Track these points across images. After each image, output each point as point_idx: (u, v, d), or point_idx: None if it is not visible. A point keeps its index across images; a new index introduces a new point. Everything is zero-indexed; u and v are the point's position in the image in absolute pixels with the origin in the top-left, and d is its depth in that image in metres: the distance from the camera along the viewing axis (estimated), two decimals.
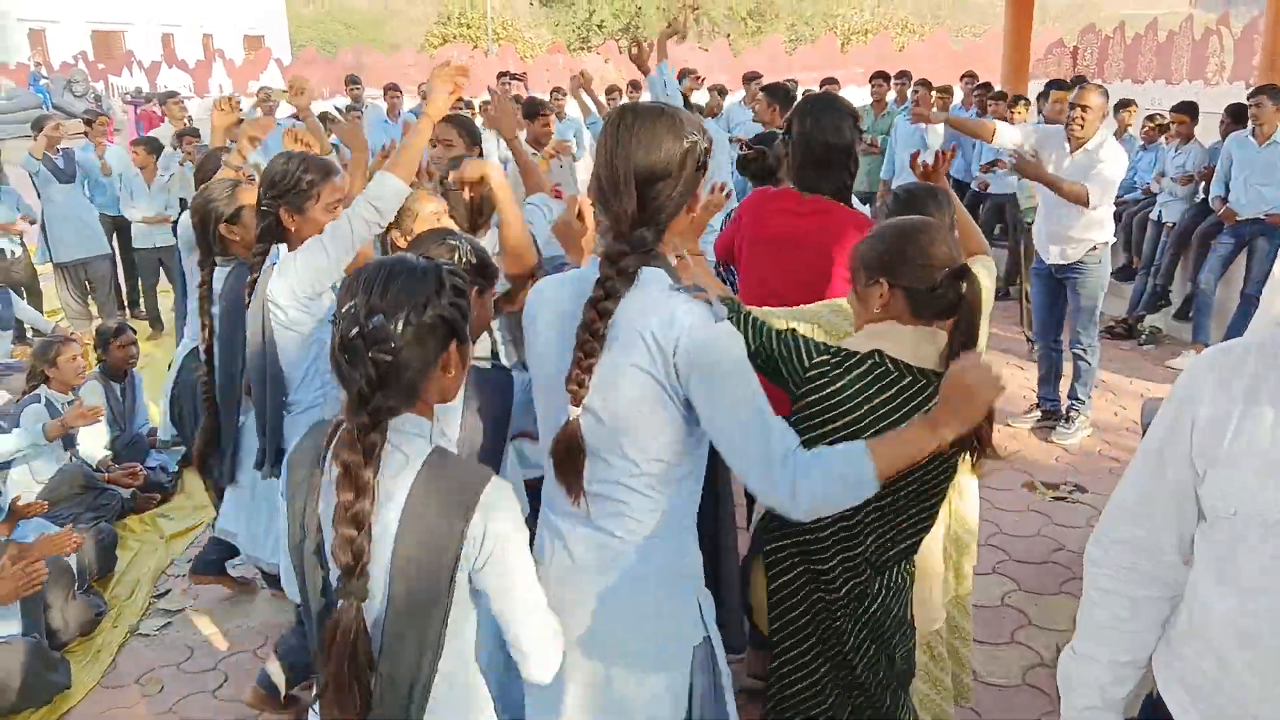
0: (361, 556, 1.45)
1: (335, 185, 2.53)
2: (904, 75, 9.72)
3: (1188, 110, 7.39)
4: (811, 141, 2.83)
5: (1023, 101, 8.66)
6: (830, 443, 1.74)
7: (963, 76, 10.56)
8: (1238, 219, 6.60)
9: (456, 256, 2.07)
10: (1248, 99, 6.67)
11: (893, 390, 1.95)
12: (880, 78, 9.13)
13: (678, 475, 1.74)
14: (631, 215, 1.68)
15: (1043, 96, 8.09)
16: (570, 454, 1.69)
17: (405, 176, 2.45)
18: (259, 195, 2.56)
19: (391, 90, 10.24)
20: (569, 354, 1.68)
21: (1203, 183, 7.23)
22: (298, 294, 2.40)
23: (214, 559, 3.94)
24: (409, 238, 2.58)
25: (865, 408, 1.95)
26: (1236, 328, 6.69)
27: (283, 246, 2.67)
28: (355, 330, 1.45)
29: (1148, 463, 1.50)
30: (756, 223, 3.02)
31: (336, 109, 9.48)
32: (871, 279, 2.02)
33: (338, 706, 1.49)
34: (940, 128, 8.90)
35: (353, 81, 10.85)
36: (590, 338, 1.64)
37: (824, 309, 2.42)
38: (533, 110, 6.45)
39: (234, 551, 3.79)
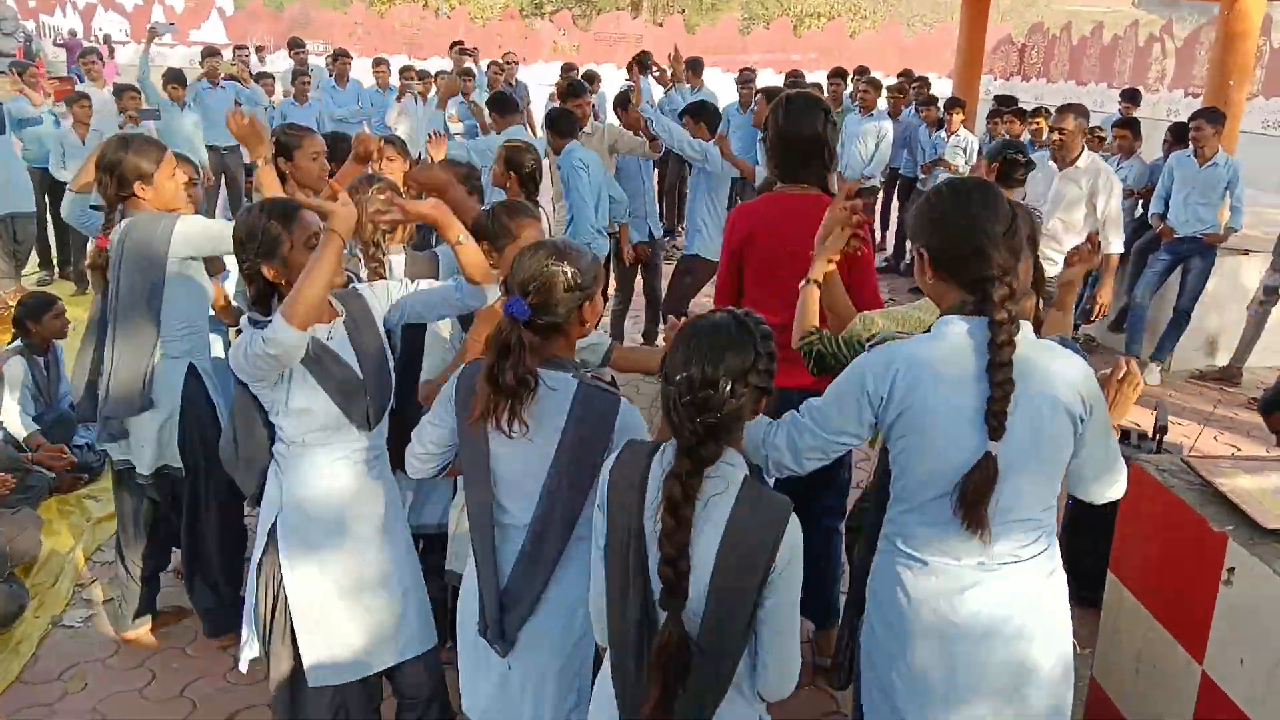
0: (683, 576, 1.72)
1: (306, 223, 2.34)
2: (862, 71, 9.73)
3: (1129, 125, 7.52)
4: (788, 136, 3.07)
5: (959, 106, 8.74)
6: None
7: (900, 75, 10.60)
8: (1175, 236, 6.76)
9: (562, 281, 2.04)
10: (1189, 120, 6.81)
11: None
12: (838, 75, 9.12)
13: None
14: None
15: (995, 115, 8.19)
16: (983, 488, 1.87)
17: (303, 320, 2.14)
18: (238, 258, 2.36)
19: (342, 56, 9.95)
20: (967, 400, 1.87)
21: (1142, 199, 7.39)
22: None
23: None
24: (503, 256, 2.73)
25: None
26: (1167, 342, 6.88)
27: None
28: (690, 399, 1.72)
29: None
30: (768, 231, 3.16)
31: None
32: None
33: (660, 707, 1.75)
34: (889, 125, 8.98)
35: (296, 45, 10.50)
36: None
37: (913, 310, 2.61)
38: (577, 90, 6.34)
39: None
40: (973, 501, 1.86)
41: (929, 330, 1.98)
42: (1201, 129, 6.60)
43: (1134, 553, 2.72)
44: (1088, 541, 3.69)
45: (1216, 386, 6.82)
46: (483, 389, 2.01)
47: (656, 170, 8.96)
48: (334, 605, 2.43)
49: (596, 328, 2.30)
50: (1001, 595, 1.93)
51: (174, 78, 8.65)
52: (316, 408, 2.32)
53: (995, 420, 1.84)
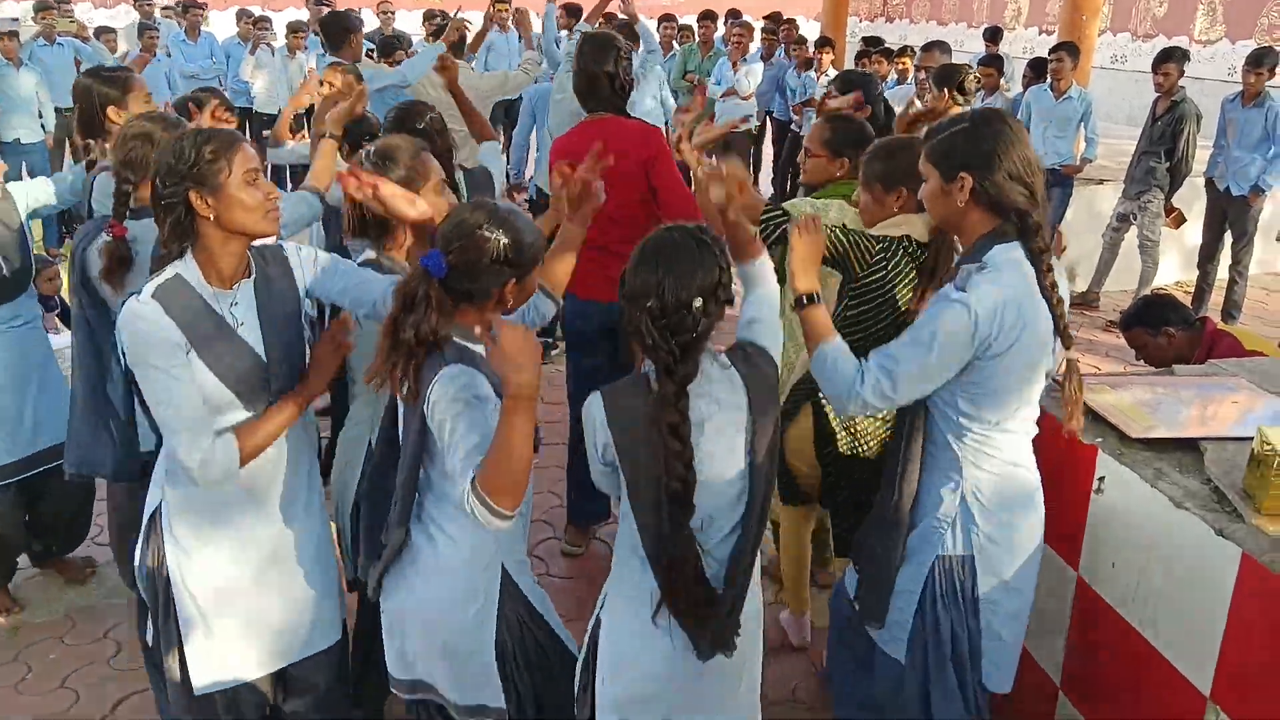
0: (691, 489, 1.80)
1: (247, 153, 2.05)
2: (734, 14, 9.73)
3: (993, 63, 7.75)
4: (586, 72, 3.53)
5: (828, 46, 8.87)
6: (879, 310, 2.58)
7: (767, 17, 10.64)
8: None
9: (492, 248, 1.86)
10: (1049, 53, 7.05)
11: (915, 263, 2.60)
12: (708, 18, 9.10)
13: None
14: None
15: (863, 56, 8.33)
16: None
17: (249, 456, 2.09)
18: (155, 189, 2.01)
19: (193, 8, 9.38)
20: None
21: None
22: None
23: None
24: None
25: (906, 279, 2.59)
26: None
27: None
28: (664, 321, 1.77)
29: None
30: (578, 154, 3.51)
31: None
32: (892, 189, 2.70)
33: (696, 612, 1.89)
34: (759, 68, 9.05)
35: None
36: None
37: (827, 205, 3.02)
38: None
39: None
40: (1077, 399, 2.11)
41: (976, 258, 2.08)
42: (1063, 60, 6.85)
43: None
44: None
45: (1076, 311, 7.16)
46: (381, 343, 1.87)
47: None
48: (225, 599, 2.19)
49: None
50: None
51: (3, 30, 8.00)
52: (205, 390, 2.03)
53: (1067, 334, 2.08)
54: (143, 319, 1.96)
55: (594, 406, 1.90)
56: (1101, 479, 2.40)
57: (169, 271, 2.02)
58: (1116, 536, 2.37)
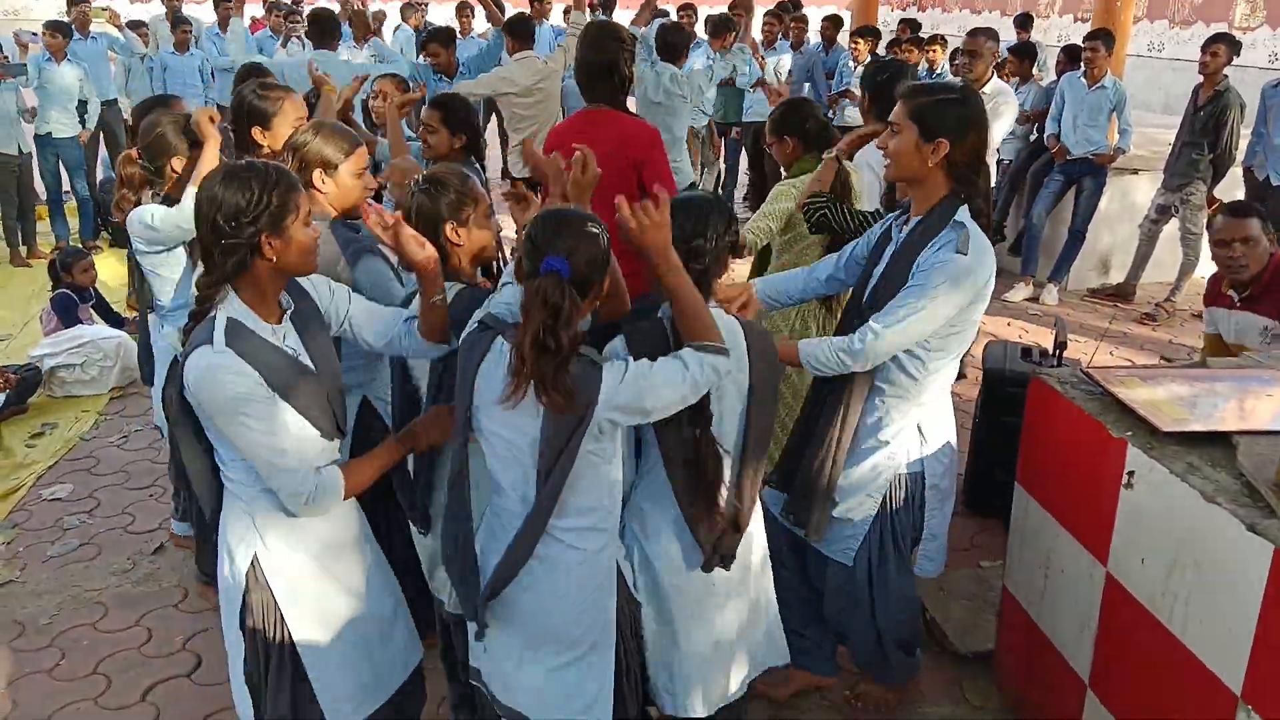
0: (706, 400, 2.09)
1: (304, 194, 2.06)
2: (785, 7, 9.57)
3: (1024, 52, 7.64)
4: (586, 62, 3.54)
5: (865, 35, 8.73)
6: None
7: (776, 6, 10.47)
8: (1068, 157, 6.92)
9: (602, 241, 1.95)
10: (1084, 41, 6.95)
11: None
12: (739, 6, 9.01)
13: None
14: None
15: (895, 44, 8.22)
16: None
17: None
18: (219, 229, 1.96)
19: (223, 1, 9.40)
20: None
21: (1037, 123, 7.53)
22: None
23: None
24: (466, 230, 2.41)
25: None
26: (1064, 263, 7.08)
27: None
28: (683, 249, 2.09)
29: None
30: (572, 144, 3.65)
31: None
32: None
33: (710, 516, 2.19)
34: (788, 59, 8.97)
35: None
36: None
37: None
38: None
39: None
40: None
41: (935, 218, 2.40)
42: (1097, 50, 6.74)
43: (1039, 464, 2.80)
44: (995, 456, 3.81)
45: (1111, 303, 7.07)
46: (528, 358, 1.83)
47: None
48: (343, 636, 2.22)
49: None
50: None
51: (56, 27, 7.89)
52: (289, 429, 2.03)
53: None
54: (225, 371, 1.93)
55: (618, 346, 2.14)
56: (1131, 473, 2.36)
57: (220, 317, 2.00)
58: (1146, 532, 2.33)
